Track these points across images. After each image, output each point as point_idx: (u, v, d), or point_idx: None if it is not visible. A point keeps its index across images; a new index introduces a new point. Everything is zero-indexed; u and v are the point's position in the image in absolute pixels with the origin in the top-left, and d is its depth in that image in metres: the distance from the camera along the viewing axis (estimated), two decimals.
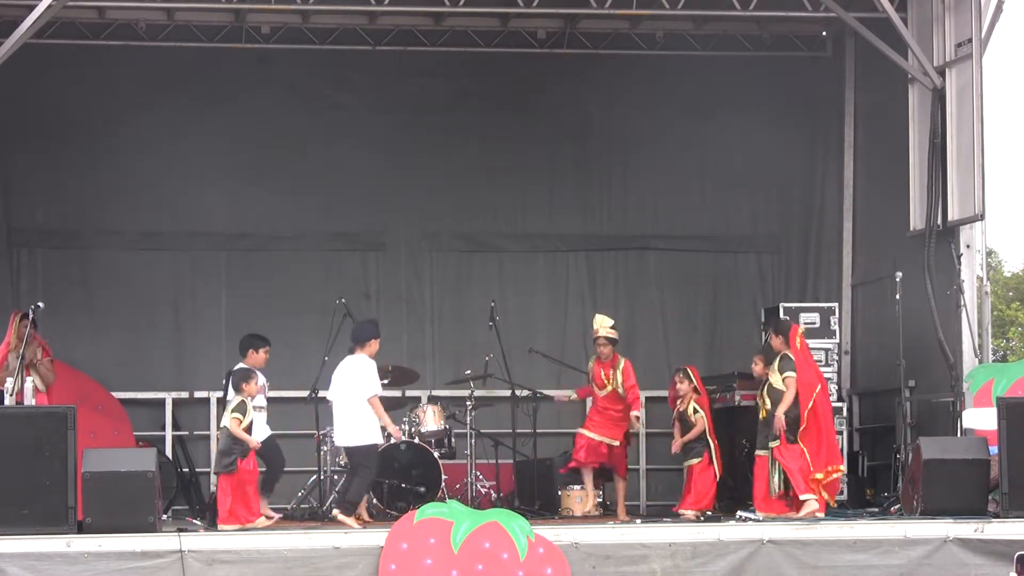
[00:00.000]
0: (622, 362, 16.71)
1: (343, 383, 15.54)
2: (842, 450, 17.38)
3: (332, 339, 17.23)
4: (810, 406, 15.60)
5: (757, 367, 16.14)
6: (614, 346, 16.72)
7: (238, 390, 15.38)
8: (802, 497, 15.48)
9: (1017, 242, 66.38)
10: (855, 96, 20.01)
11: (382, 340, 19.66)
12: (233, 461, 15.08)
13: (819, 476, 15.60)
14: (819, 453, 15.67)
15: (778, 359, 15.76)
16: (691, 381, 16.54)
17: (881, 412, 18.77)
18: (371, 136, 19.75)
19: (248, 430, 15.19)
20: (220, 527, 14.81)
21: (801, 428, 15.58)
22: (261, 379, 15.89)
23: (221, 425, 15.42)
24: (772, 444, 15.63)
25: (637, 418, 16.79)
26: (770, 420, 15.72)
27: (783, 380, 15.66)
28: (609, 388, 16.68)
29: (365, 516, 15.64)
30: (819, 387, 15.77)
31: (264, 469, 15.83)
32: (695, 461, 16.44)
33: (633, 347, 19.86)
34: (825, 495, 15.66)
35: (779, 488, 15.62)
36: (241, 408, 15.22)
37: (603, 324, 16.75)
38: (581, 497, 16.77)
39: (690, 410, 16.41)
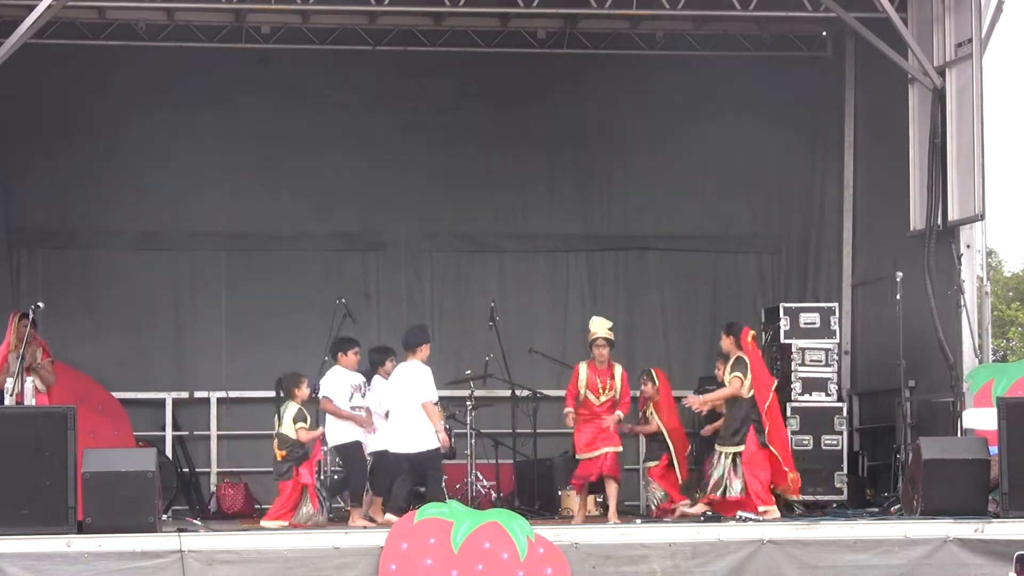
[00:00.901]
0: (619, 368, 15.93)
1: (401, 389, 15.26)
2: (842, 450, 17.42)
3: (332, 339, 17.22)
4: (767, 404, 15.65)
5: (720, 371, 16.20)
6: (611, 349, 16.06)
7: (290, 396, 15.48)
8: (761, 509, 15.43)
9: (1017, 242, 66.43)
10: (855, 96, 20.02)
11: (383, 340, 19.74)
12: (289, 468, 15.30)
13: (791, 476, 15.71)
14: (787, 452, 15.75)
15: (732, 360, 15.78)
16: (654, 383, 16.38)
17: (881, 412, 18.77)
18: (371, 136, 19.76)
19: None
20: (263, 523, 15.09)
21: (766, 429, 15.60)
22: (358, 379, 15.83)
23: (280, 432, 15.47)
24: (737, 448, 15.58)
25: (619, 419, 15.84)
26: (729, 421, 15.75)
27: (730, 380, 15.67)
28: (607, 396, 15.85)
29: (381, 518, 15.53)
30: (773, 388, 15.82)
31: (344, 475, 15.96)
32: (652, 464, 16.33)
33: (633, 347, 19.88)
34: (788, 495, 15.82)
35: (739, 492, 15.59)
36: (300, 416, 15.37)
37: (602, 325, 15.97)
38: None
39: (648, 411, 16.32)
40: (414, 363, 15.26)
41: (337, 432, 15.65)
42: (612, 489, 15.87)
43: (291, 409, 15.42)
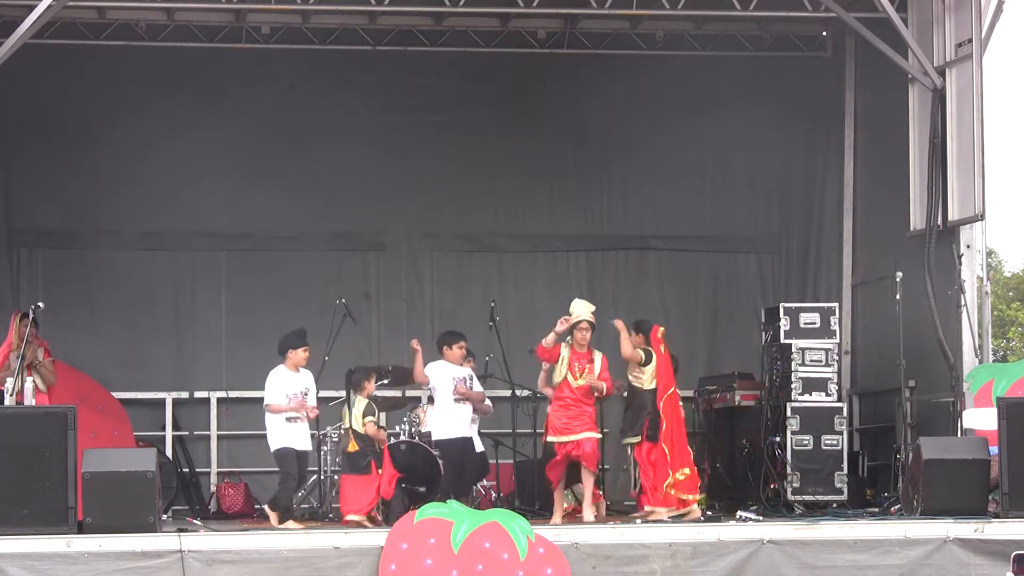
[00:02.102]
0: (599, 356, 15.58)
1: None
2: (842, 450, 17.41)
3: (332, 339, 17.24)
4: (662, 401, 15.69)
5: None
6: (593, 333, 15.64)
7: (359, 390, 15.72)
8: (646, 509, 15.52)
9: (1017, 242, 66.38)
10: (855, 96, 20.02)
11: (383, 340, 19.79)
12: (368, 463, 15.56)
13: (679, 477, 15.67)
14: (675, 453, 15.67)
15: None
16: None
17: (881, 412, 18.77)
18: (371, 136, 19.75)
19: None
20: (347, 517, 15.36)
21: (662, 427, 15.62)
22: (461, 372, 16.05)
23: (348, 427, 15.74)
24: (634, 440, 15.66)
25: (602, 389, 15.45)
26: (628, 411, 15.86)
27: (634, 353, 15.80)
28: (584, 380, 15.42)
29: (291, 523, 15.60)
30: (672, 388, 15.79)
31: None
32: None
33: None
34: (680, 495, 15.70)
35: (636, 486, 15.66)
36: (369, 410, 15.63)
37: (586, 308, 15.55)
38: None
39: None
40: (276, 368, 15.56)
41: (442, 427, 15.98)
42: (588, 480, 15.59)
43: (360, 404, 15.67)
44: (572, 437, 15.44)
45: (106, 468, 13.72)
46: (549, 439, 15.62)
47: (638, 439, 15.73)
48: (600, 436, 15.71)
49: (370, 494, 15.60)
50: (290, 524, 15.22)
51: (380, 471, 15.65)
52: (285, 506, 15.64)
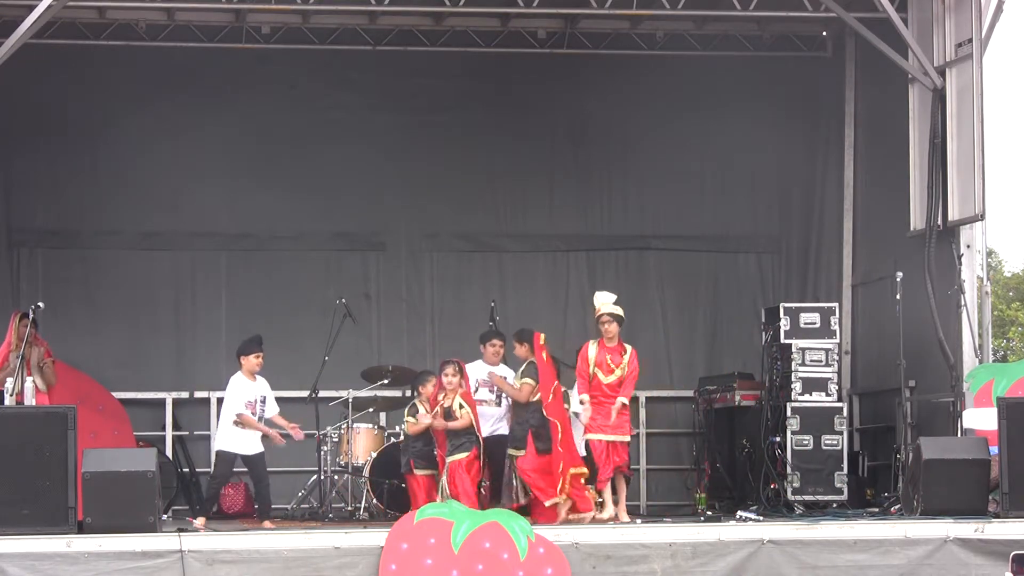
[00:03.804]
0: (630, 348, 15.42)
1: None
2: (842, 450, 17.41)
3: (332, 339, 17.24)
4: (548, 402, 15.21)
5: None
6: (620, 326, 15.50)
7: (416, 393, 16.00)
8: (547, 503, 15.07)
9: (1017, 242, 66.27)
10: (855, 96, 20.02)
11: (383, 340, 19.77)
12: (406, 462, 15.80)
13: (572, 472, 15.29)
14: (568, 452, 15.27)
15: (524, 365, 15.47)
16: (462, 375, 15.57)
17: (881, 412, 18.77)
18: (371, 136, 19.75)
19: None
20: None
21: (559, 434, 15.15)
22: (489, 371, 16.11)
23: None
24: (517, 453, 15.26)
25: (623, 405, 15.22)
26: (513, 425, 15.46)
27: (520, 385, 15.33)
28: (616, 375, 15.30)
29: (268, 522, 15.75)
30: (554, 386, 15.24)
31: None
32: (462, 456, 15.35)
33: (633, 347, 19.86)
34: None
35: (521, 499, 15.28)
36: (412, 411, 15.82)
37: (606, 301, 15.38)
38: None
39: (455, 404, 15.41)
40: (236, 373, 15.84)
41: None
42: (622, 485, 15.49)
43: (411, 406, 15.93)
44: (606, 437, 15.29)
45: (106, 468, 13.71)
46: (586, 435, 15.40)
47: (521, 452, 15.26)
48: (629, 439, 15.45)
49: (413, 496, 15.85)
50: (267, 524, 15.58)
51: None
52: (208, 499, 16.16)
